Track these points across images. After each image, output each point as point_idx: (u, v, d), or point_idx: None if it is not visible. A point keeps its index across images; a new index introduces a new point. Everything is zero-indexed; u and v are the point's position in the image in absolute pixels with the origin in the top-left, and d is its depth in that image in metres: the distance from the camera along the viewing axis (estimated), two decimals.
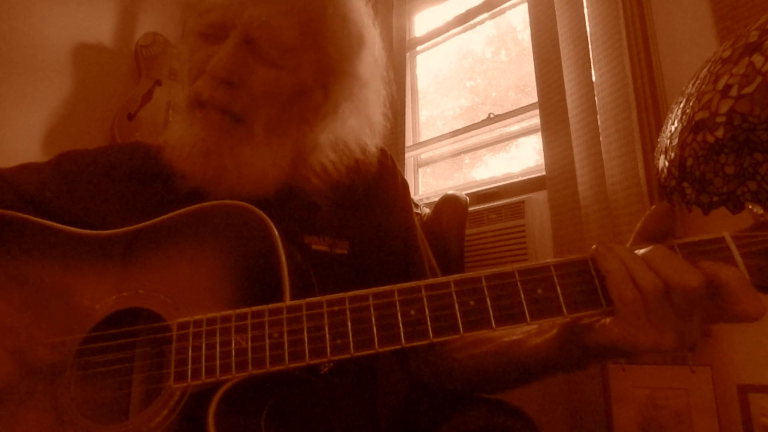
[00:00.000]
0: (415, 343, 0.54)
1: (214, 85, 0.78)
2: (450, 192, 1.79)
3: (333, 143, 0.89)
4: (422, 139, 2.55)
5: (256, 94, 0.80)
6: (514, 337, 0.70)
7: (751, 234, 0.52)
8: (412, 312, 0.54)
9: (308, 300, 0.58)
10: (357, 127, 0.90)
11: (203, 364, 0.58)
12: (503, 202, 1.84)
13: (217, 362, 0.57)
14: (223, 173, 0.80)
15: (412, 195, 2.29)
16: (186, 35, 0.85)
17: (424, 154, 2.53)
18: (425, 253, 0.93)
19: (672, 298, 0.50)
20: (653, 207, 0.57)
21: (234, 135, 0.79)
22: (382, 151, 0.97)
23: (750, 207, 0.53)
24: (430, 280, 0.56)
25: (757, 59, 0.93)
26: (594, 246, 0.55)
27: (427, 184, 2.53)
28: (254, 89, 0.79)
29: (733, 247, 0.52)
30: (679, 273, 0.49)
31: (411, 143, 2.49)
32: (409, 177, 2.44)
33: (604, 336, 0.55)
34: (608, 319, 0.54)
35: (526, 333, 0.69)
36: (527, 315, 0.53)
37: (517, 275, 0.54)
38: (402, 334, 0.54)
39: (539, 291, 0.53)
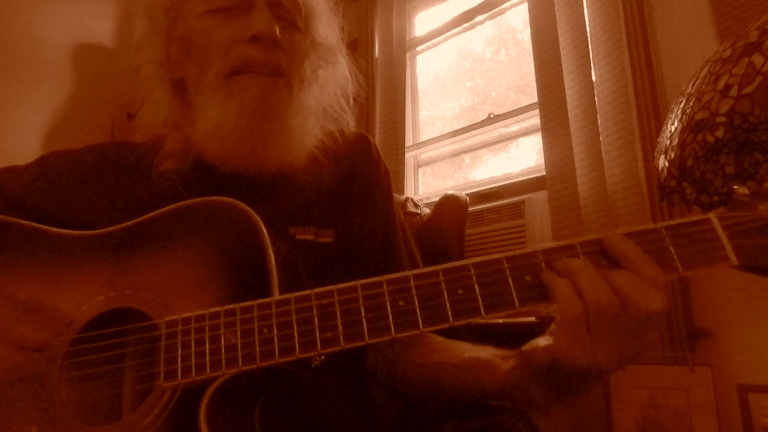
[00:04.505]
0: (405, 334, 0.53)
1: (264, 47, 0.80)
2: (450, 192, 1.79)
3: (320, 111, 0.92)
4: (422, 139, 2.55)
5: (289, 54, 0.84)
6: (480, 355, 0.70)
7: (737, 214, 0.53)
8: (401, 302, 0.54)
9: (297, 294, 0.57)
10: (334, 94, 0.94)
11: (193, 361, 0.57)
12: (503, 202, 1.84)
13: (207, 359, 0.57)
14: (272, 145, 0.81)
15: (412, 195, 2.30)
16: (190, 18, 0.85)
17: (424, 154, 2.53)
18: (404, 241, 0.93)
19: (628, 313, 0.51)
20: None
21: (281, 94, 0.82)
22: (366, 139, 0.97)
23: (735, 188, 0.54)
24: (419, 270, 0.56)
25: (757, 59, 0.93)
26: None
27: (427, 184, 2.53)
28: (287, 49, 0.84)
29: (719, 228, 0.52)
30: (642, 295, 0.50)
31: (411, 143, 2.49)
32: (409, 177, 2.44)
33: (545, 352, 0.56)
34: (550, 338, 0.55)
35: (492, 355, 0.69)
36: (516, 302, 0.53)
37: (505, 263, 0.54)
38: (392, 324, 0.54)
39: (527, 278, 0.53)
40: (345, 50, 0.96)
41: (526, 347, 0.61)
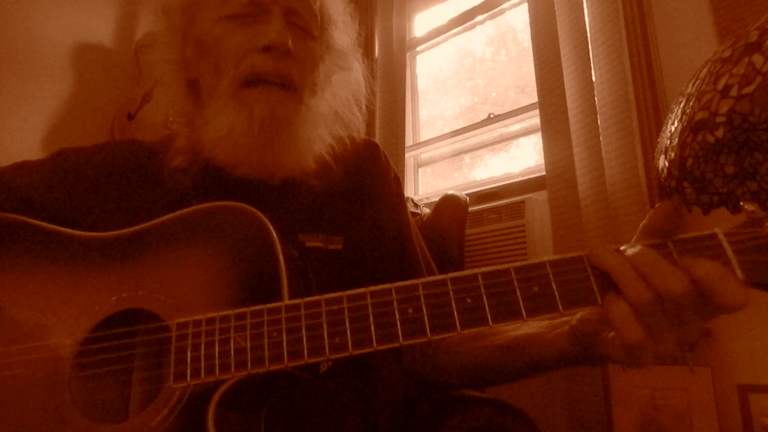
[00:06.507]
0: (412, 341, 0.54)
1: (276, 56, 0.81)
2: (450, 192, 1.79)
3: (331, 116, 0.92)
4: (422, 139, 2.55)
5: (302, 63, 0.85)
6: (524, 331, 0.70)
7: (744, 230, 0.52)
8: (410, 310, 0.55)
9: (306, 299, 0.58)
10: (346, 99, 0.95)
11: (202, 363, 0.58)
12: (503, 202, 1.85)
13: (216, 362, 0.57)
14: (280, 155, 0.82)
15: (412, 195, 2.31)
16: (206, 21, 0.85)
17: (424, 154, 2.53)
18: (420, 246, 0.93)
19: (663, 305, 0.50)
20: (658, 205, 0.56)
21: (290, 107, 0.83)
22: (375, 146, 0.98)
23: (742, 204, 0.53)
24: (428, 279, 0.56)
25: (757, 59, 0.93)
26: (590, 250, 0.55)
27: (427, 184, 2.53)
28: (300, 59, 0.84)
29: (725, 244, 0.52)
30: (664, 280, 0.49)
31: (411, 143, 2.49)
32: (409, 177, 2.44)
33: (608, 351, 0.56)
34: (612, 334, 0.55)
35: (537, 327, 0.69)
36: (524, 312, 0.53)
37: (513, 273, 0.54)
38: (400, 332, 0.54)
39: (535, 288, 0.53)
40: (359, 55, 0.97)
41: (582, 328, 0.61)
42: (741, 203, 0.53)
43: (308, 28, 0.87)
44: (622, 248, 0.54)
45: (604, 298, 0.52)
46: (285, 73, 0.82)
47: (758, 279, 0.50)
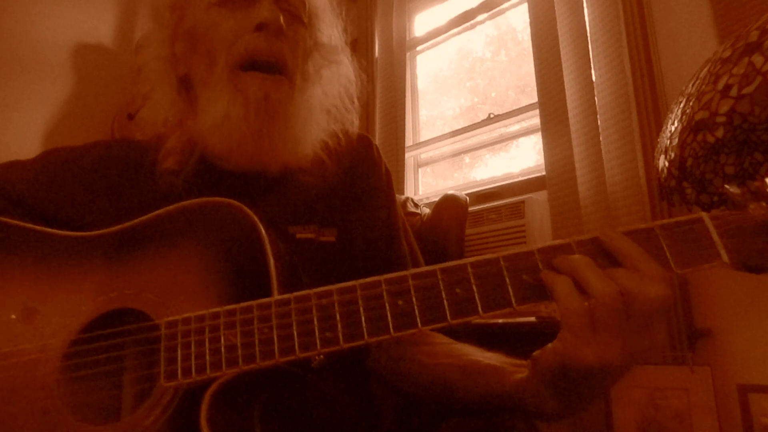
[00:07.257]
0: (403, 333, 0.53)
1: (269, 35, 0.80)
2: (450, 192, 1.79)
3: (323, 110, 0.92)
4: (422, 139, 2.55)
5: (293, 46, 0.85)
6: (485, 361, 0.69)
7: (729, 214, 0.53)
8: (400, 302, 0.54)
9: (296, 294, 0.57)
10: (338, 95, 0.94)
11: (193, 361, 0.57)
12: (503, 202, 1.84)
13: (207, 359, 0.57)
14: (276, 144, 0.82)
15: (412, 195, 2.30)
16: (196, 12, 0.85)
17: (424, 154, 2.53)
18: (408, 241, 0.93)
19: (632, 308, 0.50)
20: None
21: (284, 92, 0.82)
22: (368, 140, 0.97)
23: (726, 186, 0.54)
24: (417, 270, 0.56)
25: (757, 59, 0.93)
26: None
27: (427, 184, 2.53)
28: (292, 41, 0.84)
29: (711, 227, 0.52)
30: (643, 288, 0.49)
31: (411, 143, 2.49)
32: (409, 177, 2.44)
33: (553, 354, 0.55)
34: (558, 341, 0.55)
35: (499, 361, 0.68)
36: (513, 301, 0.53)
37: (502, 261, 0.54)
38: (390, 324, 0.54)
39: (524, 277, 0.53)
40: (349, 52, 0.97)
41: (536, 353, 0.60)
42: (725, 186, 0.53)
43: (298, 14, 0.87)
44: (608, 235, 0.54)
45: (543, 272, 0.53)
46: (278, 52, 0.81)
47: (743, 261, 0.51)
